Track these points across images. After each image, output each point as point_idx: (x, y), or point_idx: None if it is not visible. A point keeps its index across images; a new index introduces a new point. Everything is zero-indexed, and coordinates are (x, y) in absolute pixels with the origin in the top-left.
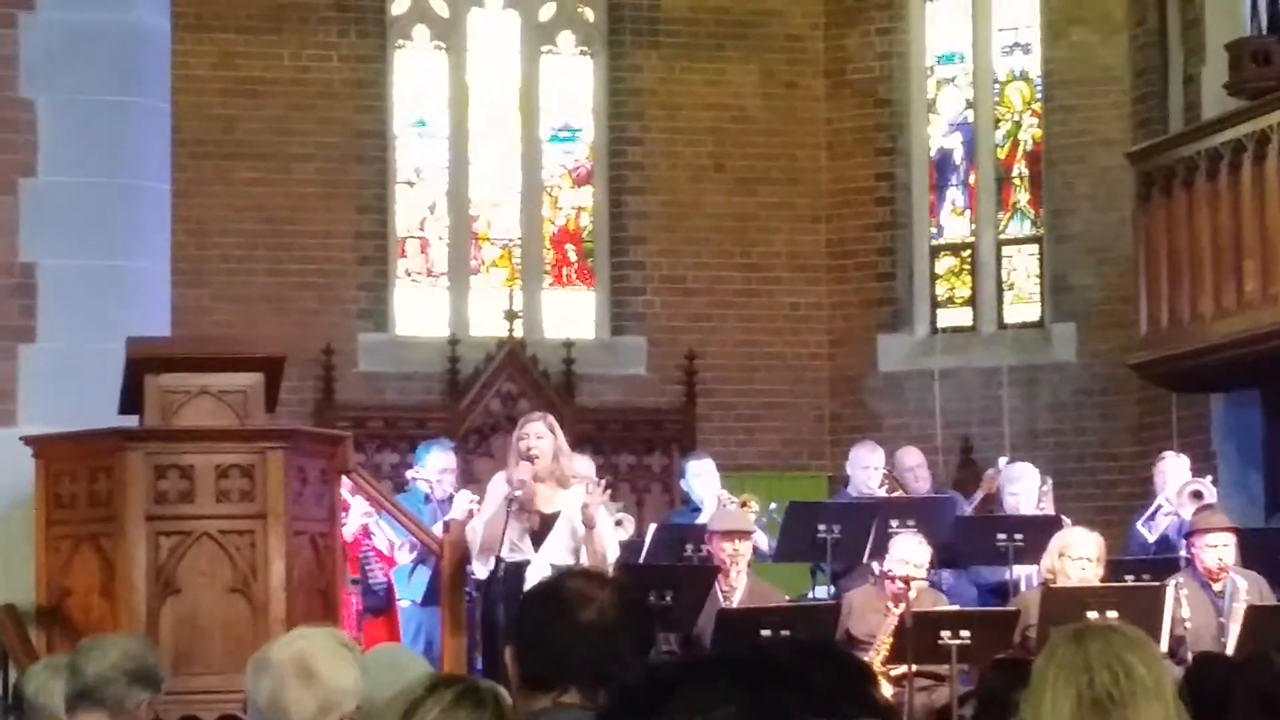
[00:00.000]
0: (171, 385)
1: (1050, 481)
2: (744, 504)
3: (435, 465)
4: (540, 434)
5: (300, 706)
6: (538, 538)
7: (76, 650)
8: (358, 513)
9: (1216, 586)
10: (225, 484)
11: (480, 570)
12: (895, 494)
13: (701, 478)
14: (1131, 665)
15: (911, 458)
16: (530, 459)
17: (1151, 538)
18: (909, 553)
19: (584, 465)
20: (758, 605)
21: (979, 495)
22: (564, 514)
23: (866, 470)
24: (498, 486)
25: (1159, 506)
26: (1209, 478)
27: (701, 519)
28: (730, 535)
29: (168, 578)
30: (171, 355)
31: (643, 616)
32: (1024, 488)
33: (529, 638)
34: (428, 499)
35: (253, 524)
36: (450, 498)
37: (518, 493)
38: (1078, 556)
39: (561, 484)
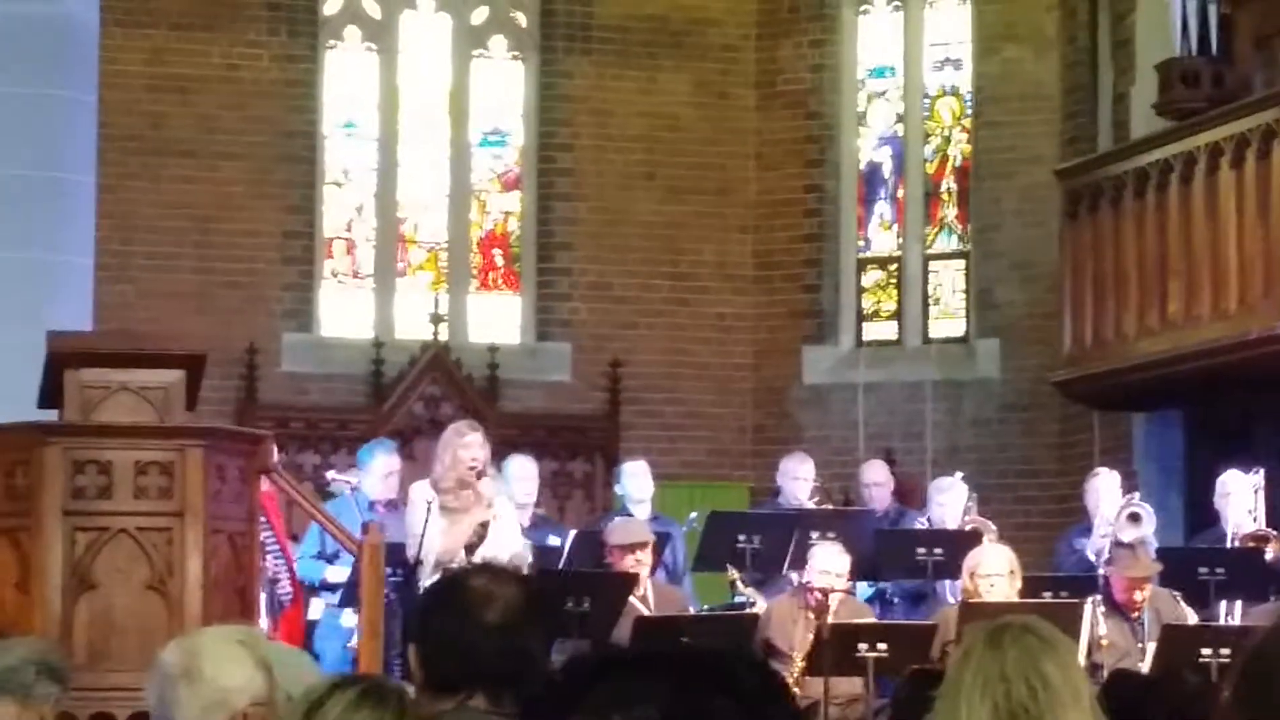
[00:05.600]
0: (92, 380)
1: (974, 496)
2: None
3: (380, 469)
4: (482, 445)
5: (184, 707)
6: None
7: None
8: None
9: (1134, 613)
10: (144, 481)
11: (427, 581)
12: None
13: (636, 478)
14: (1048, 676)
15: (873, 473)
16: (480, 474)
17: (1090, 555)
18: (829, 562)
19: (526, 467)
20: (666, 609)
21: None
22: (493, 523)
23: (796, 481)
24: (422, 495)
25: (1093, 526)
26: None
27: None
28: (630, 548)
29: (84, 574)
30: (93, 350)
31: (548, 611)
32: (950, 500)
33: (432, 639)
34: (372, 505)
35: (170, 521)
36: (391, 501)
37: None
38: (986, 574)
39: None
